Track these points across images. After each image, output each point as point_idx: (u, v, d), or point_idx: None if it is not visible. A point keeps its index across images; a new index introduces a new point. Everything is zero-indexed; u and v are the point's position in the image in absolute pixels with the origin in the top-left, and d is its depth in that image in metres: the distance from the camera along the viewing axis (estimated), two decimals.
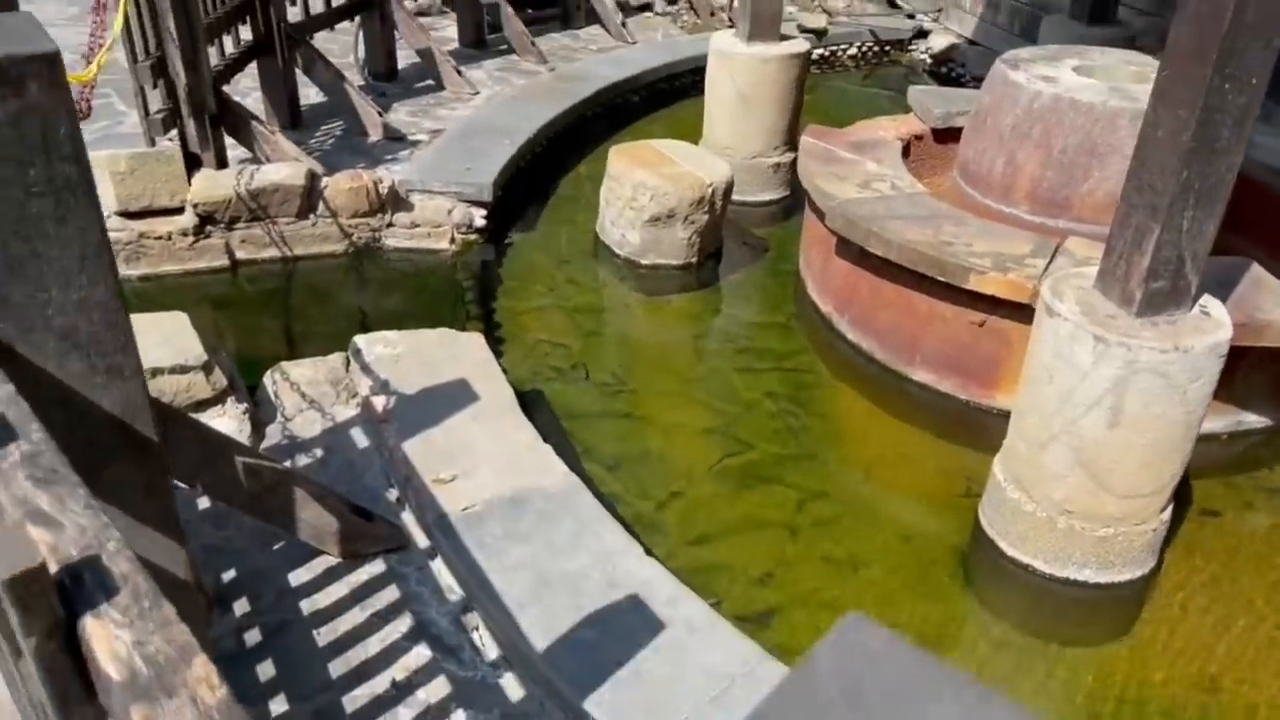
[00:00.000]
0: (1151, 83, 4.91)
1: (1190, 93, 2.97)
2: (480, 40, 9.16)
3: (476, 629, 3.18)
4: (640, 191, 5.72)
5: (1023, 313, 4.28)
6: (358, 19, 7.99)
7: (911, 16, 10.83)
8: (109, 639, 0.86)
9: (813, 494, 4.29)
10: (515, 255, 6.20)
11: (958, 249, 4.48)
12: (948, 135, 6.12)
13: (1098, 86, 4.90)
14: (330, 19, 7.58)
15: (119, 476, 1.36)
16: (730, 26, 9.94)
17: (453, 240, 6.06)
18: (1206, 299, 3.46)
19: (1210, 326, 3.33)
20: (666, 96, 8.83)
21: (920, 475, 4.50)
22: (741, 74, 6.55)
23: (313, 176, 5.74)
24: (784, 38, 6.75)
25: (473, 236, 6.13)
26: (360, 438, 4.00)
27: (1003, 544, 3.84)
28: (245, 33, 6.55)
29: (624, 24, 9.75)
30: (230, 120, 5.90)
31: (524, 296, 5.76)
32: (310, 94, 7.30)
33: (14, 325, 1.29)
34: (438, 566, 3.40)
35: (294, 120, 6.96)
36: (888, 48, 10.46)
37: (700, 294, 5.96)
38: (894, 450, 4.67)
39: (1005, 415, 4.24)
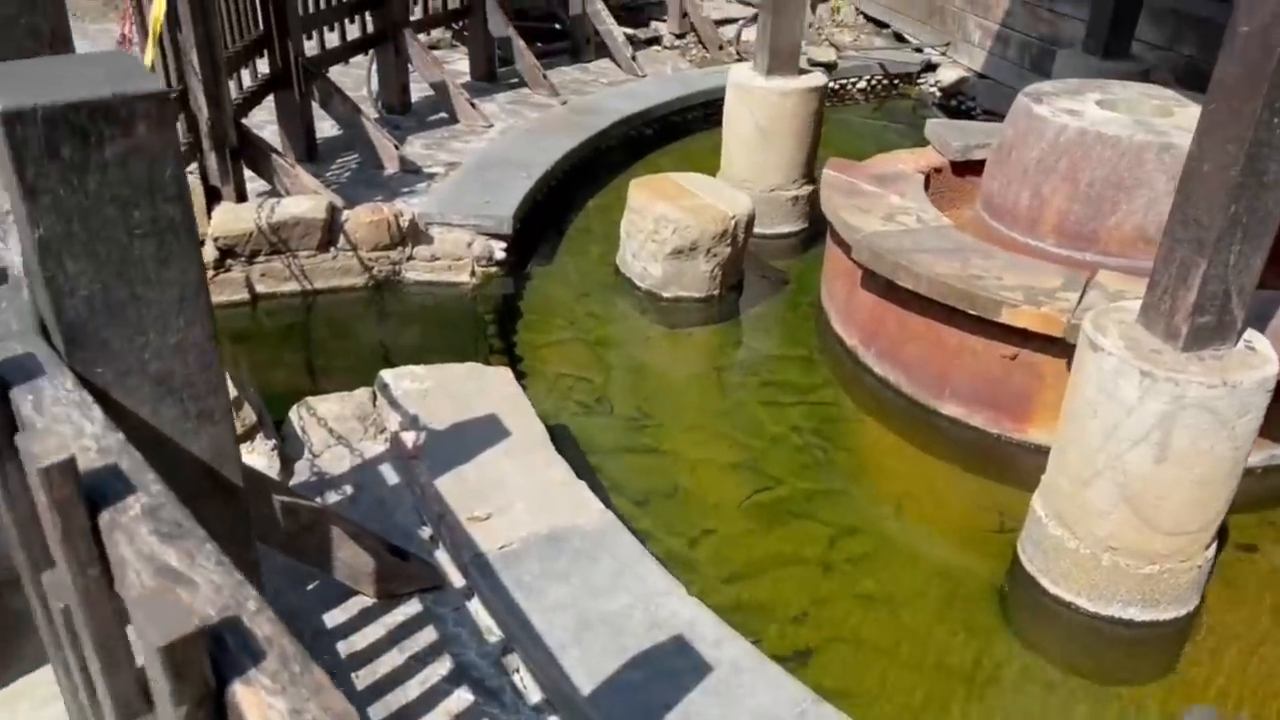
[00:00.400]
0: (1174, 116, 5.00)
1: (1239, 127, 2.96)
2: (491, 74, 9.18)
3: (517, 671, 3.11)
4: (662, 224, 5.70)
5: (1056, 346, 4.26)
6: (371, 52, 8.02)
7: (920, 50, 10.90)
8: (262, 707, 0.81)
9: (844, 530, 4.24)
10: (535, 288, 6.17)
11: (988, 282, 4.46)
12: (966, 168, 6.13)
13: (1123, 120, 4.90)
14: (345, 52, 7.59)
15: (206, 525, 1.31)
16: (739, 59, 10.00)
17: (473, 273, 6.03)
18: (1250, 333, 3.44)
19: (1257, 361, 3.30)
20: (679, 129, 8.85)
21: (953, 510, 4.45)
22: (760, 107, 6.56)
23: (333, 210, 5.72)
24: (801, 71, 6.78)
25: (493, 269, 6.10)
26: (390, 474, 3.94)
27: (1044, 581, 3.78)
28: (262, 66, 6.57)
29: (633, 57, 9.78)
30: (250, 154, 5.89)
31: (545, 330, 5.73)
32: (325, 127, 7.30)
33: (111, 371, 1.25)
34: (475, 607, 3.34)
35: (310, 153, 6.95)
36: (896, 81, 10.51)
37: (722, 327, 5.93)
38: (925, 485, 4.62)
39: (1038, 449, 4.22)
